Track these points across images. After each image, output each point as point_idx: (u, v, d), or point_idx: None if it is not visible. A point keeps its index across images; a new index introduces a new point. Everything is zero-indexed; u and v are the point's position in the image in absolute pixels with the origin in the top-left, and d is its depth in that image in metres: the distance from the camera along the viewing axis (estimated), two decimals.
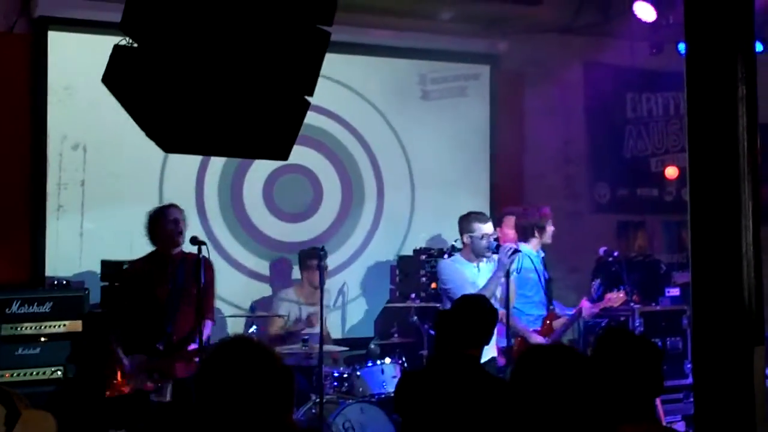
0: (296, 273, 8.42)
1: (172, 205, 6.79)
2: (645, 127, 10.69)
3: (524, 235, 7.74)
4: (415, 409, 4.49)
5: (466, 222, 7.12)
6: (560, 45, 9.94)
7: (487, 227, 7.06)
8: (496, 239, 7.12)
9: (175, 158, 8.12)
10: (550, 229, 7.72)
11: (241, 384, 2.51)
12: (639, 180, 10.66)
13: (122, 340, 6.33)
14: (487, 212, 9.28)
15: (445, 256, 7.67)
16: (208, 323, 6.59)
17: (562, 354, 2.89)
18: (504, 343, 6.83)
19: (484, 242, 6.99)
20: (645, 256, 9.79)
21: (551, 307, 7.66)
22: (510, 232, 8.08)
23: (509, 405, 2.85)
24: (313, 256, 7.72)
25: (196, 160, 8.35)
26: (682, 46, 8.20)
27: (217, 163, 8.46)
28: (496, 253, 6.87)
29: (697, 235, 3.51)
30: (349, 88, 9.04)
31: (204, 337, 6.40)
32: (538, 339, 7.34)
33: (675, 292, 9.04)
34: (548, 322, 7.55)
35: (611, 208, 10.52)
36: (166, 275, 6.51)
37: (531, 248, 7.64)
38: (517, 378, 2.88)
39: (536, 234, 7.69)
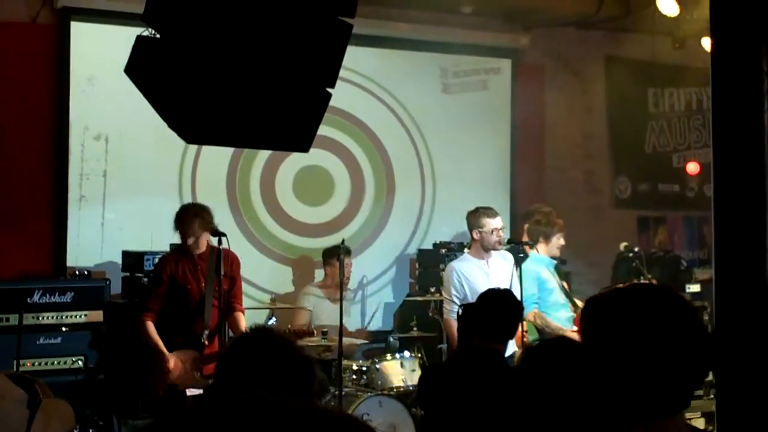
0: (319, 270, 8.46)
1: (205, 208, 6.58)
2: (667, 123, 10.64)
3: (533, 240, 7.69)
4: (438, 403, 4.49)
5: (474, 217, 7.14)
6: (581, 39, 9.91)
7: (496, 222, 7.08)
8: (511, 241, 7.20)
9: (194, 148, 8.16)
10: (557, 240, 7.64)
11: (261, 374, 2.52)
12: (660, 175, 10.60)
13: (168, 337, 6.31)
14: (508, 207, 9.32)
15: (465, 250, 7.67)
16: (241, 316, 6.60)
17: (566, 348, 2.86)
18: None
19: (494, 237, 7.03)
20: (665, 252, 9.73)
21: (577, 308, 7.61)
22: None
23: (517, 398, 2.82)
24: (336, 253, 7.74)
25: (213, 149, 8.37)
26: (705, 41, 8.17)
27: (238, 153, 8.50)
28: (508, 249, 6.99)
29: (721, 231, 3.49)
30: (370, 80, 9.04)
31: (243, 329, 6.41)
32: (573, 336, 7.29)
33: (695, 288, 8.99)
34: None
35: (632, 203, 10.47)
36: (199, 272, 6.45)
37: (541, 255, 7.61)
38: (522, 371, 2.85)
39: (541, 241, 7.64)
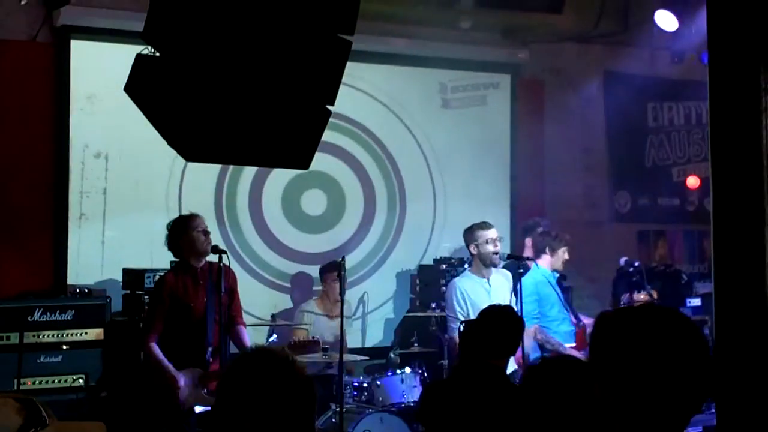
0: (317, 285, 8.44)
1: (197, 215, 6.60)
2: (667, 137, 10.65)
3: (536, 252, 7.76)
4: (440, 420, 4.47)
5: (469, 233, 7.24)
6: (580, 54, 9.93)
7: (491, 233, 7.15)
8: (511, 256, 7.21)
9: (196, 166, 8.15)
10: (562, 253, 7.67)
11: (262, 395, 2.51)
12: (660, 189, 10.61)
13: (171, 355, 6.29)
14: (508, 221, 9.33)
15: (466, 266, 7.69)
16: (243, 330, 6.58)
17: (570, 367, 2.84)
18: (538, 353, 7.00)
19: (490, 246, 7.09)
20: (666, 266, 9.73)
21: (580, 323, 7.63)
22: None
23: (521, 417, 2.80)
24: (333, 268, 7.73)
25: (218, 168, 8.38)
26: (704, 56, 8.19)
27: (244, 171, 8.51)
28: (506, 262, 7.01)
29: (720, 245, 3.49)
30: (370, 96, 9.05)
31: (247, 344, 6.41)
32: (572, 353, 7.31)
33: (696, 302, 8.99)
34: (581, 334, 7.53)
35: (632, 217, 10.47)
36: (200, 288, 6.43)
37: (545, 266, 7.63)
38: (526, 391, 2.84)
39: (547, 252, 7.69)
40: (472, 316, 6.62)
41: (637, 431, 2.12)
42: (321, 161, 8.38)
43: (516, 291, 7.00)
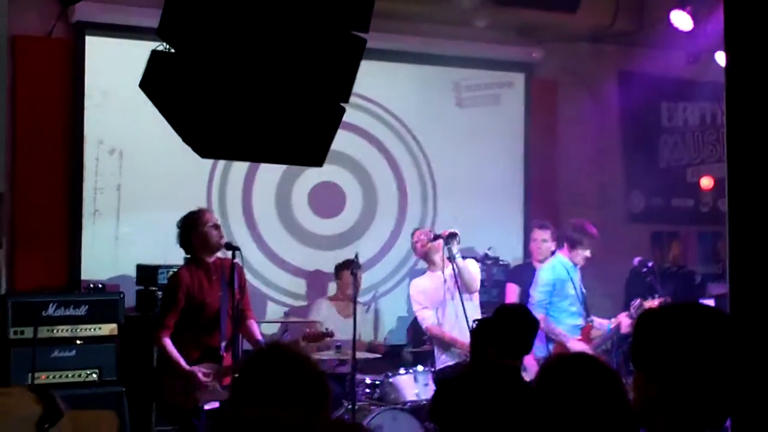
0: (331, 287, 8.46)
1: (207, 210, 6.61)
2: (681, 137, 10.61)
3: (558, 243, 7.81)
4: (453, 419, 4.47)
5: None
6: (595, 53, 9.90)
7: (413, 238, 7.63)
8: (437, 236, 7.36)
9: (210, 163, 8.18)
10: (582, 250, 7.64)
11: (276, 390, 2.52)
12: (674, 190, 10.57)
13: (185, 350, 6.28)
14: (521, 221, 9.34)
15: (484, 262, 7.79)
16: (254, 324, 6.57)
17: (586, 365, 2.83)
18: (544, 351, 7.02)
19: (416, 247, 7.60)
20: (679, 267, 9.71)
21: (589, 319, 7.60)
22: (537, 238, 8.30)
23: (535, 416, 2.79)
24: (347, 267, 7.74)
25: (229, 165, 8.41)
26: (719, 56, 8.16)
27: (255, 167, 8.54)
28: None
29: (736, 246, 3.48)
30: (383, 94, 9.04)
31: (260, 339, 6.43)
32: (577, 344, 7.30)
33: (710, 303, 8.95)
34: (587, 331, 7.52)
35: (646, 218, 10.43)
36: (213, 283, 6.42)
37: (566, 259, 7.62)
38: (541, 389, 2.83)
39: (565, 245, 7.69)
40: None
41: (678, 429, 2.13)
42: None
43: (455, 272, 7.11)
